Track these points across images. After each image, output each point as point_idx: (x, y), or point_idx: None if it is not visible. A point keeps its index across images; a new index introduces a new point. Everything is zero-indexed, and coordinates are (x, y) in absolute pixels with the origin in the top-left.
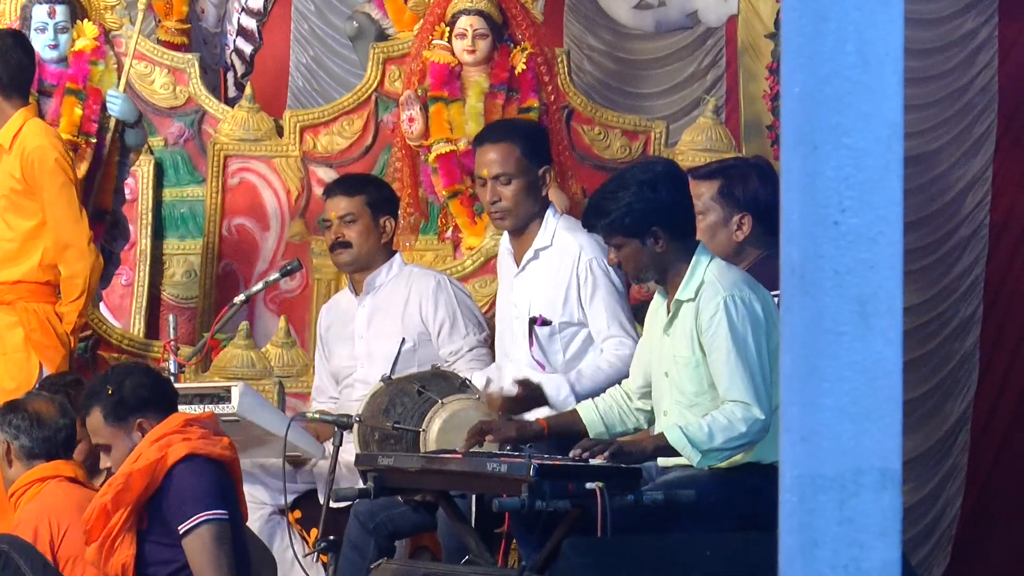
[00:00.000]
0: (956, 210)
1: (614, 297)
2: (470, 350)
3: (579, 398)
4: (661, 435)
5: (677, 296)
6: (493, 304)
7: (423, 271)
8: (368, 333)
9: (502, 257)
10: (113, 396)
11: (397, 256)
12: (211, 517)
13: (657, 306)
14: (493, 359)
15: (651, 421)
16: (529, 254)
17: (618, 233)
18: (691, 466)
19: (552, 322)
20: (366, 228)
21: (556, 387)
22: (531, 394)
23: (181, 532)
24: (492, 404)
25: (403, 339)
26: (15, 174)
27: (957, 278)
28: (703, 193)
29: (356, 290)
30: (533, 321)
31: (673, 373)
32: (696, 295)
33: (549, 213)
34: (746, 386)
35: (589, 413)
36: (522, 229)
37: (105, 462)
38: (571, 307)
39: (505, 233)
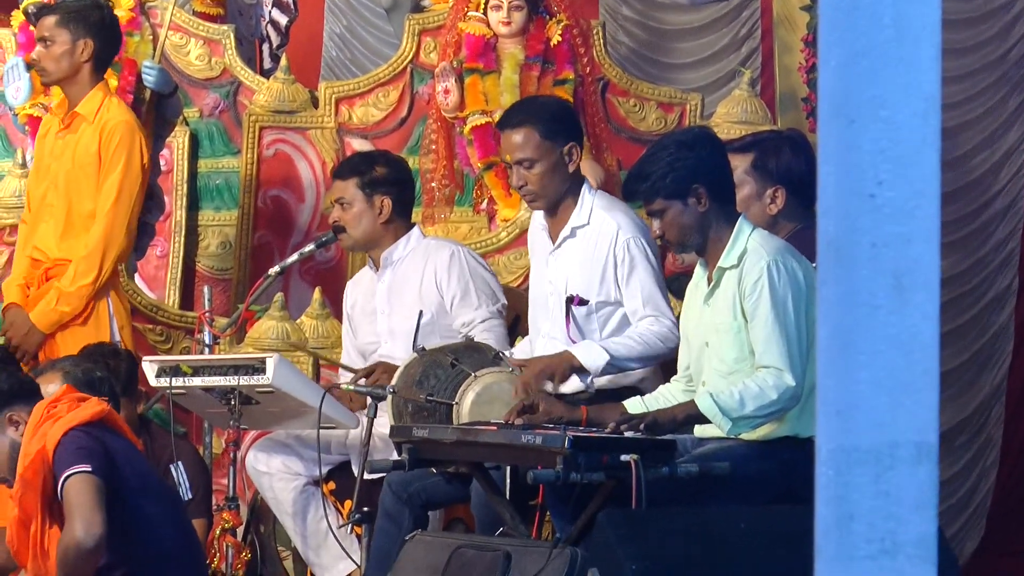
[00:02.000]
0: (992, 182)
1: (651, 276)
2: (482, 321)
3: (612, 361)
4: (691, 403)
5: (720, 264)
6: (527, 278)
7: (439, 242)
8: (389, 308)
9: (535, 233)
10: None
11: (415, 229)
12: (71, 472)
13: (698, 279)
14: (506, 331)
15: None
16: (565, 231)
17: (659, 195)
18: (727, 438)
19: (589, 301)
20: (360, 210)
21: (589, 352)
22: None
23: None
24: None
25: (420, 312)
26: (92, 148)
27: (992, 250)
28: (737, 166)
29: (376, 266)
30: (570, 300)
31: (714, 341)
32: (739, 262)
33: (584, 189)
34: (781, 352)
35: (636, 408)
36: (556, 207)
37: None
38: (608, 286)
39: None
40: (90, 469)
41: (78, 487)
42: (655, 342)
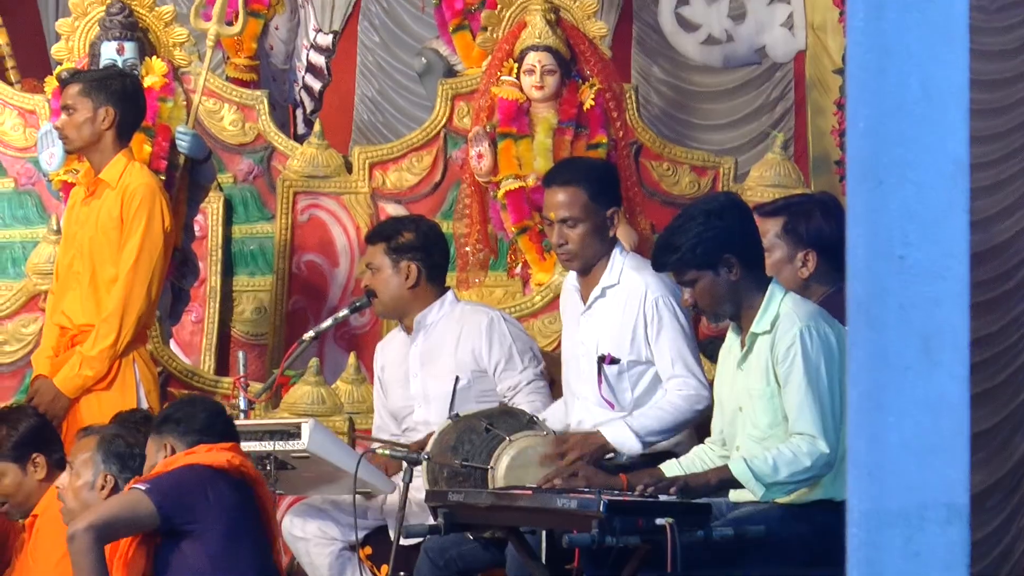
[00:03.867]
0: None
1: (680, 336)
2: (528, 383)
3: (643, 440)
4: (725, 467)
5: (752, 329)
6: (561, 343)
7: (474, 308)
8: (422, 372)
9: (567, 294)
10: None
11: (448, 293)
12: (131, 485)
13: (731, 343)
14: (551, 390)
15: None
16: (596, 292)
17: (690, 267)
18: (761, 501)
19: (620, 360)
20: (387, 276)
21: (616, 432)
22: (594, 444)
23: None
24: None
25: (456, 377)
26: (114, 212)
27: None
28: (768, 230)
29: (407, 329)
30: (602, 360)
31: (747, 407)
32: (772, 327)
33: (616, 251)
34: (814, 419)
35: (673, 472)
36: (589, 268)
37: None
38: (639, 345)
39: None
40: (145, 488)
41: (121, 494)
42: (684, 407)
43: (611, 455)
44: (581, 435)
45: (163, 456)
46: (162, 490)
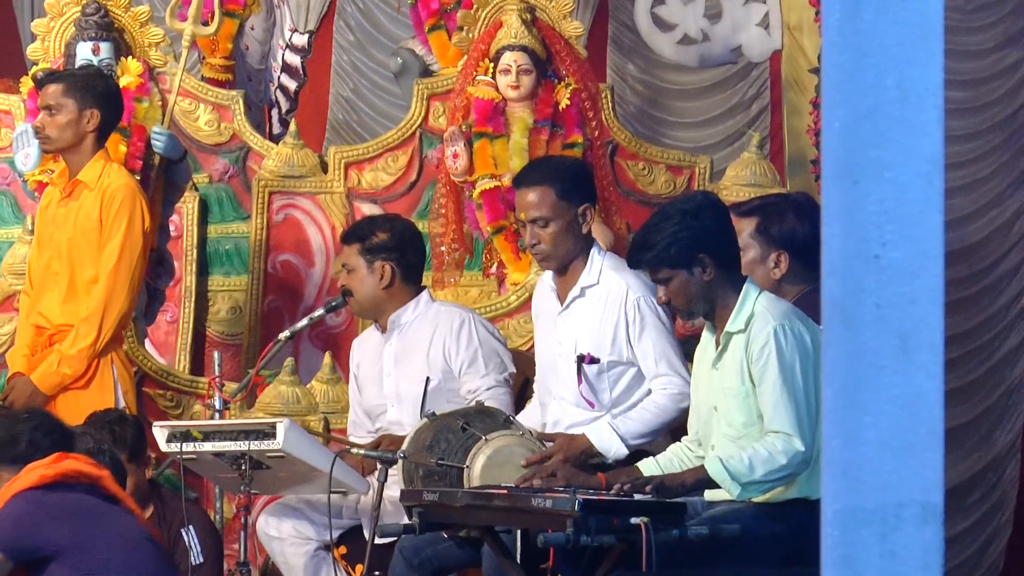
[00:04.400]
0: (1003, 239)
1: (663, 335)
2: (488, 389)
3: (627, 442)
4: (701, 467)
5: (727, 328)
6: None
7: (449, 308)
8: (396, 372)
9: (542, 294)
10: None
11: (424, 293)
12: None
13: (706, 342)
14: (513, 399)
15: None
16: (575, 292)
17: (664, 265)
18: (737, 500)
19: (600, 360)
20: (362, 276)
21: (602, 436)
22: (579, 447)
23: None
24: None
25: (427, 378)
26: (93, 214)
27: (1004, 307)
28: (743, 230)
29: (382, 328)
30: (581, 359)
31: (722, 406)
32: (746, 326)
33: (594, 251)
34: (790, 417)
35: (650, 470)
36: (566, 267)
37: None
38: (619, 346)
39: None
40: None
41: None
42: (670, 407)
43: (595, 458)
44: (566, 437)
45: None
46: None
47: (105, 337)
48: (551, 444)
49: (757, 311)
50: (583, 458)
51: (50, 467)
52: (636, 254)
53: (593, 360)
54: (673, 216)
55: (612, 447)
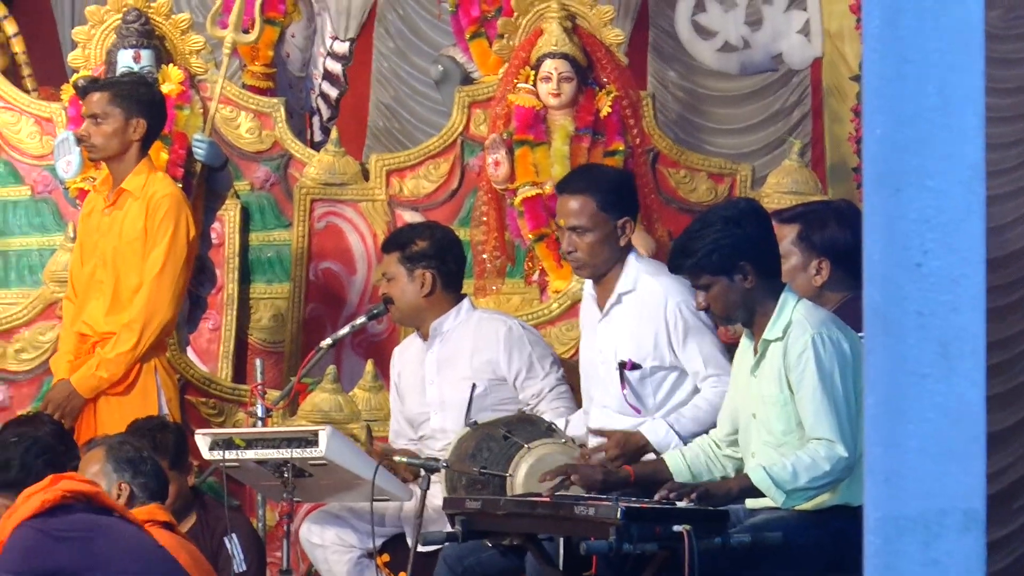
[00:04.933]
0: None
1: (706, 336)
2: (551, 389)
3: (680, 435)
4: (745, 476)
5: (765, 336)
6: (579, 350)
7: (491, 316)
8: (439, 379)
9: (585, 302)
10: None
11: (465, 301)
12: None
13: (744, 349)
14: (574, 395)
15: (739, 469)
16: (612, 299)
17: (705, 272)
18: (778, 508)
19: (642, 365)
20: (403, 285)
21: (658, 434)
22: (636, 445)
23: None
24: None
25: (473, 384)
26: (138, 223)
27: None
28: (784, 237)
29: (424, 335)
30: (623, 366)
31: (761, 413)
32: (784, 334)
33: (631, 257)
34: (831, 424)
35: (676, 462)
36: (603, 276)
37: None
38: (661, 351)
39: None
40: None
41: None
42: (721, 403)
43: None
44: (623, 433)
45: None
46: (12, 569)
47: (145, 344)
48: (606, 440)
49: (795, 319)
50: (639, 455)
51: (49, 491)
52: (677, 260)
53: (635, 366)
54: (715, 223)
55: (670, 444)
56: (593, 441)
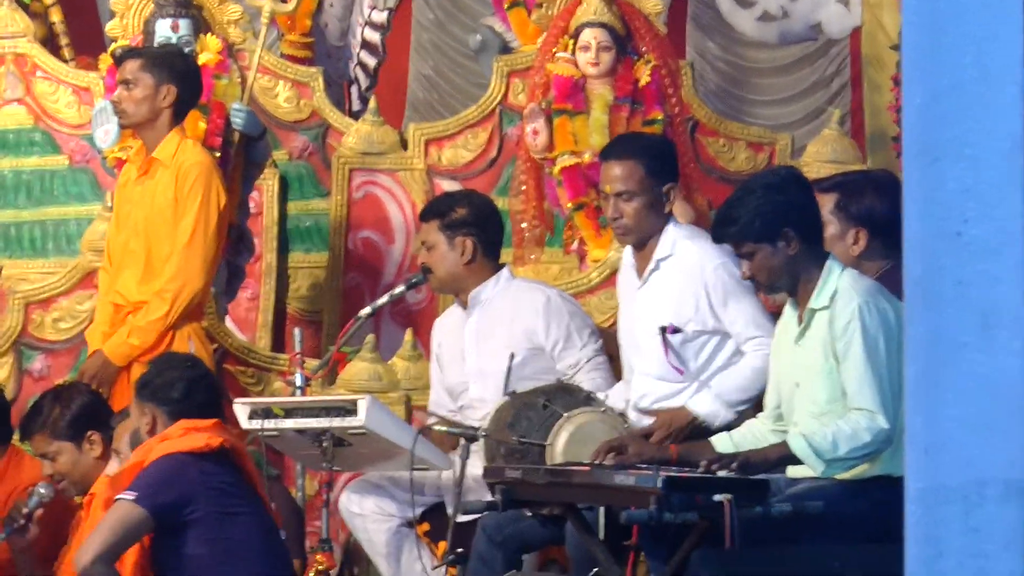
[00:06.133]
0: None
1: (747, 297)
2: (588, 360)
3: (733, 408)
4: (784, 444)
5: (810, 305)
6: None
7: (529, 286)
8: (477, 348)
9: (624, 271)
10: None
11: (504, 270)
12: (121, 495)
13: (787, 319)
14: (613, 366)
15: None
16: (651, 266)
17: (748, 239)
18: (819, 477)
19: (683, 329)
20: (443, 252)
21: (705, 405)
22: (683, 422)
23: None
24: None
25: (511, 354)
26: (169, 192)
27: None
28: (823, 206)
29: (463, 304)
30: (664, 330)
31: (805, 383)
32: (830, 302)
33: (669, 224)
34: (873, 394)
35: (725, 445)
36: (646, 243)
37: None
38: (703, 315)
39: (628, 246)
40: (133, 498)
41: (110, 511)
42: (765, 368)
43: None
44: (668, 412)
45: (146, 423)
46: (148, 493)
47: (176, 312)
48: (653, 421)
49: (841, 287)
50: (690, 430)
51: (214, 437)
52: (720, 229)
53: (676, 330)
54: (757, 190)
55: (719, 414)
56: (633, 417)
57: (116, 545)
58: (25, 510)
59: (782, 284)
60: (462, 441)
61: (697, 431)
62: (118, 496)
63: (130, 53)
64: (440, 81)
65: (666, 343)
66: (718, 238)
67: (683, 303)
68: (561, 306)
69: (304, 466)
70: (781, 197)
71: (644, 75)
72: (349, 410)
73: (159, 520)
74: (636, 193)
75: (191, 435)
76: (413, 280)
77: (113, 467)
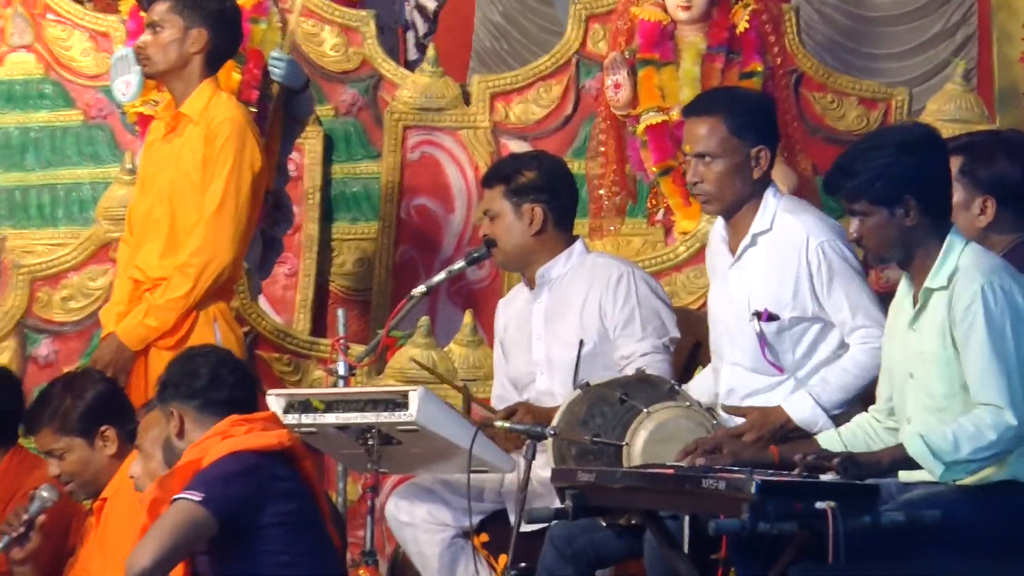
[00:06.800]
0: None
1: (855, 282)
2: (642, 356)
3: (830, 413)
4: (899, 446)
5: (927, 284)
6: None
7: (607, 260)
8: (546, 333)
9: (714, 246)
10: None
11: (577, 243)
12: (181, 495)
13: (901, 299)
14: (672, 368)
15: None
16: (746, 240)
17: (865, 198)
18: (936, 482)
19: (780, 317)
20: (509, 222)
21: (803, 409)
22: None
23: None
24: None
25: (581, 341)
26: (197, 151)
27: None
28: None
29: (530, 283)
30: (757, 316)
31: (919, 373)
32: (949, 283)
33: (768, 192)
34: (1000, 387)
35: (832, 444)
36: (734, 212)
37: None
38: (803, 300)
39: (720, 218)
40: (199, 499)
41: (170, 512)
42: (871, 364)
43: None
44: (760, 412)
45: (174, 427)
46: (216, 495)
47: (201, 290)
48: (743, 421)
49: (962, 265)
50: (783, 434)
51: (274, 436)
52: (836, 180)
53: (772, 317)
54: (888, 146)
55: (817, 421)
56: (722, 417)
57: (177, 549)
58: (25, 516)
59: (893, 255)
60: (528, 440)
61: (791, 435)
62: (177, 496)
63: None
64: (509, 27)
65: (761, 333)
66: (831, 189)
67: (782, 286)
68: (633, 285)
69: (346, 468)
70: (912, 160)
71: (742, 20)
72: (399, 403)
73: (224, 526)
74: (717, 155)
75: (256, 434)
76: (475, 254)
77: (137, 468)
